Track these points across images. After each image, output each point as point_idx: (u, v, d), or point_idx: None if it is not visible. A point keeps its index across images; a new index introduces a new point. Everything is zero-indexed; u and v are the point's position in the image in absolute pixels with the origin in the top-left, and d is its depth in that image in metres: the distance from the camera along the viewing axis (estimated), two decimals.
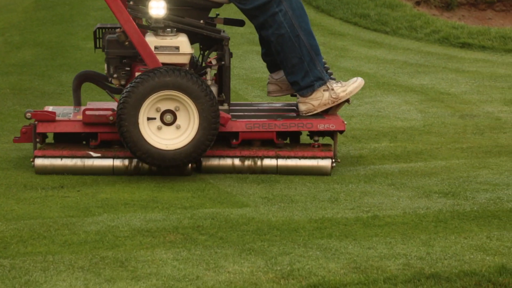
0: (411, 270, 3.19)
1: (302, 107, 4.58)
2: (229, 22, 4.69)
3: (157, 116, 4.33)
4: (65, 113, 4.64)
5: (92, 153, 4.45)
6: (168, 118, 4.34)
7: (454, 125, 5.40)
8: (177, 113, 4.34)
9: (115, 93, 4.63)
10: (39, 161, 4.43)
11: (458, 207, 3.93)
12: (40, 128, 4.47)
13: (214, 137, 4.32)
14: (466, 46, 7.35)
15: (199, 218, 3.76)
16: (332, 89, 4.53)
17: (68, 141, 4.57)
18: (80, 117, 4.49)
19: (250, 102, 5.15)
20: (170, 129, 4.34)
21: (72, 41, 7.13)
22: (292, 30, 4.48)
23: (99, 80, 4.75)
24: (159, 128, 4.33)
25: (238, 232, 3.60)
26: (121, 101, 4.29)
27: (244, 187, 4.25)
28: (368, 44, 7.35)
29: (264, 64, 4.88)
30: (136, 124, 4.28)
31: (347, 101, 4.60)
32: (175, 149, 4.31)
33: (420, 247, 3.44)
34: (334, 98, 4.54)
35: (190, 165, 4.42)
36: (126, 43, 4.44)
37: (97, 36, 4.68)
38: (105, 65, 4.56)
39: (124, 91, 4.32)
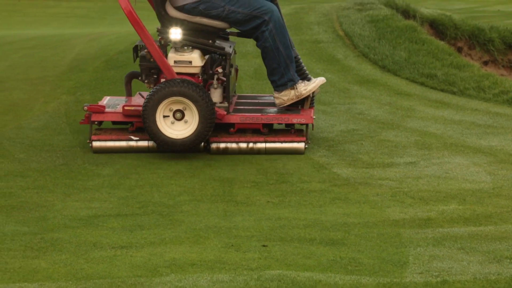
0: None
1: (276, 101, 6.16)
2: (241, 35, 6.22)
3: (170, 114, 5.83)
4: (115, 104, 6.15)
5: (133, 137, 5.97)
6: (178, 116, 5.83)
7: None
8: (185, 112, 5.83)
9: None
10: (95, 143, 5.97)
11: None
12: (94, 118, 5.99)
13: (211, 129, 5.82)
14: None
15: (266, 280, 3.74)
16: (297, 88, 6.09)
17: (117, 125, 6.10)
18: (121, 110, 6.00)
19: (253, 95, 6.71)
20: (180, 123, 5.84)
21: None
22: (274, 43, 6.00)
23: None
24: (172, 123, 5.83)
25: None
26: (144, 105, 5.81)
27: (311, 249, 4.23)
28: (435, 104, 7.30)
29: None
30: (155, 121, 5.79)
31: (313, 94, 6.18)
32: (183, 138, 5.81)
33: None
34: (298, 94, 6.10)
35: (202, 145, 5.93)
36: (151, 60, 5.90)
37: (137, 51, 6.13)
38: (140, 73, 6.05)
39: (146, 97, 5.83)
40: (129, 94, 6.29)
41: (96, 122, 6.04)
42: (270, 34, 5.98)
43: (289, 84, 6.07)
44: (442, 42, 8.75)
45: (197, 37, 5.95)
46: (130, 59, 8.03)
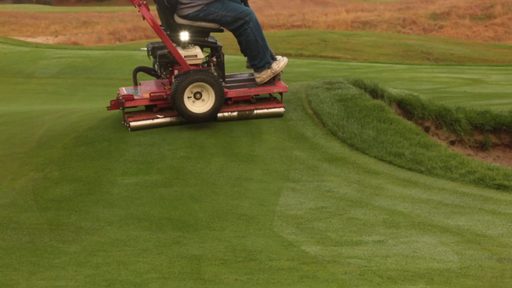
0: None
1: (257, 80, 8.36)
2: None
3: (192, 95, 7.93)
4: (134, 92, 8.14)
5: (159, 116, 8.06)
6: (198, 96, 7.95)
7: (492, 268, 5.32)
8: (202, 93, 7.95)
9: (157, 77, 8.42)
10: (133, 123, 7.94)
11: None
12: (127, 104, 8.00)
13: (222, 104, 7.99)
14: (502, 187, 7.30)
15: None
16: (272, 68, 8.32)
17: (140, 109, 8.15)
18: (147, 95, 8.05)
19: (233, 74, 8.73)
20: (199, 102, 7.97)
21: (109, 176, 7.21)
22: (254, 37, 8.19)
23: (148, 71, 8.47)
24: (193, 102, 7.94)
25: None
26: (173, 89, 7.88)
27: None
28: (403, 183, 7.34)
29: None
30: (182, 101, 7.89)
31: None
32: (203, 112, 7.97)
33: None
34: (273, 72, 8.33)
35: None
36: (171, 57, 8.04)
37: (148, 50, 8.35)
38: (157, 67, 8.27)
39: (174, 83, 7.91)
40: (135, 83, 8.43)
41: (125, 108, 7.97)
42: (251, 31, 8.17)
43: (266, 65, 8.31)
44: (409, 122, 8.83)
45: (197, 37, 8.11)
46: (99, 136, 8.02)
